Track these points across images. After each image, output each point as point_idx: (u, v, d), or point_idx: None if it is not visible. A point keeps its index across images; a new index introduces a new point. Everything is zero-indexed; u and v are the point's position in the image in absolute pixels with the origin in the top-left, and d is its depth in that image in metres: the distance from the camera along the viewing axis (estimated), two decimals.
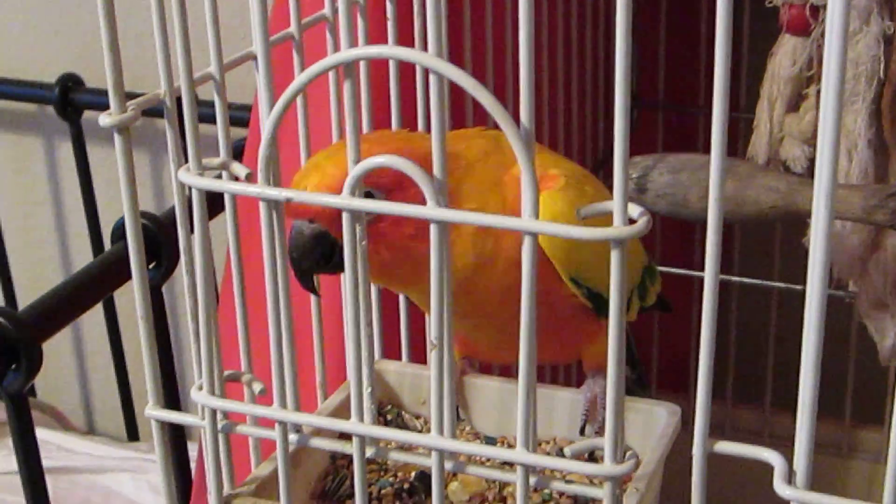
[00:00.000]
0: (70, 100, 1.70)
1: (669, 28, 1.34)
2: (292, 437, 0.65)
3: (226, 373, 0.65)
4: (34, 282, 1.86)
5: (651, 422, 0.73)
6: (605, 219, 0.53)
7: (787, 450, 0.55)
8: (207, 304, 0.63)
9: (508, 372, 0.90)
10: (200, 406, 0.65)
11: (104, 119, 0.60)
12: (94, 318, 1.78)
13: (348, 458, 0.75)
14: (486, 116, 0.55)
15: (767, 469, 0.55)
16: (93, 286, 1.17)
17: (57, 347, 1.89)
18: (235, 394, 0.67)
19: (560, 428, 0.77)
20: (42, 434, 1.28)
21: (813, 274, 0.50)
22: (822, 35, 0.95)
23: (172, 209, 1.10)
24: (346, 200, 0.57)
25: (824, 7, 0.94)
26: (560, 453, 0.58)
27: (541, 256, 0.55)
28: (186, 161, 0.61)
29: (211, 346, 0.64)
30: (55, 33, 1.75)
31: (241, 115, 1.18)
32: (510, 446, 0.59)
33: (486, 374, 0.81)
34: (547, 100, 1.11)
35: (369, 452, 0.63)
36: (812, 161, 1.01)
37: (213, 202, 0.63)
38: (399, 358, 0.82)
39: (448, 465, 0.61)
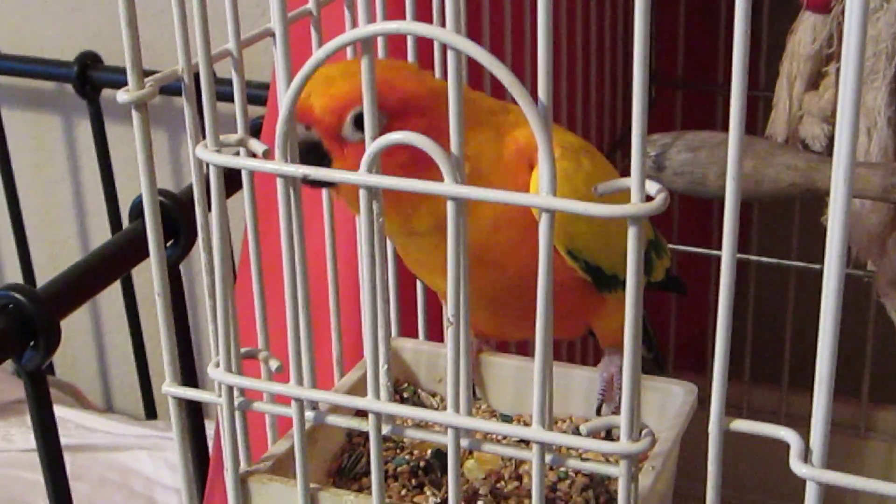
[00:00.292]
0: (89, 78, 1.70)
1: (688, 6, 1.33)
2: (309, 414, 0.65)
3: (243, 350, 0.65)
4: (52, 260, 1.86)
5: (667, 401, 0.73)
6: (620, 194, 0.53)
7: (804, 430, 0.55)
8: (225, 281, 0.63)
9: (522, 350, 0.90)
10: (217, 383, 0.65)
11: (122, 95, 0.60)
12: (112, 297, 1.78)
13: (364, 436, 0.75)
14: (504, 93, 0.55)
15: (783, 450, 0.55)
16: (111, 263, 1.18)
17: (75, 326, 1.90)
18: (252, 372, 0.67)
19: (576, 406, 0.77)
20: (60, 412, 1.28)
21: (831, 252, 0.50)
22: (843, 12, 0.95)
23: (190, 187, 1.10)
24: (363, 177, 0.57)
25: None
26: (576, 431, 0.58)
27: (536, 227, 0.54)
28: (204, 138, 0.61)
29: (228, 323, 0.64)
30: (74, 10, 1.75)
31: (258, 94, 1.18)
32: (526, 425, 0.59)
33: (502, 350, 0.81)
34: (565, 78, 1.11)
35: (385, 429, 0.63)
36: (831, 139, 1.01)
37: (231, 180, 0.63)
38: (416, 337, 0.82)
39: (464, 443, 0.61)
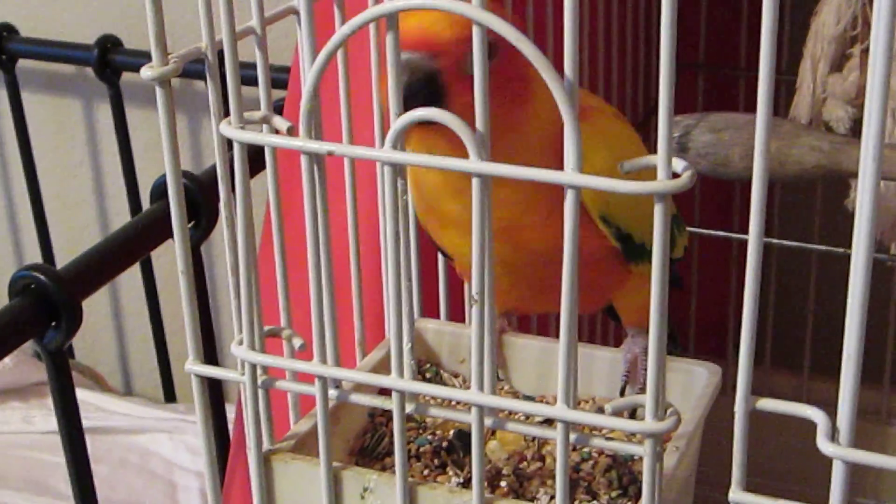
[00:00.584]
0: (109, 61, 1.70)
1: None
2: (332, 392, 0.65)
3: (266, 328, 0.65)
4: (72, 243, 1.87)
5: (691, 381, 0.73)
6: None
7: (826, 414, 0.55)
8: (248, 257, 0.63)
9: (543, 330, 0.89)
10: (240, 361, 0.65)
11: (146, 72, 0.59)
12: (132, 281, 1.79)
13: (387, 416, 0.75)
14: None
15: (806, 435, 0.54)
16: (132, 245, 1.18)
17: (95, 311, 1.90)
18: (275, 352, 0.67)
19: (600, 387, 0.76)
20: (80, 395, 1.28)
21: (859, 234, 0.49)
22: None
23: (211, 169, 1.10)
24: (387, 153, 0.57)
25: None
26: (600, 411, 0.57)
27: None
28: (227, 116, 0.61)
29: (251, 300, 0.63)
30: None
31: (279, 77, 1.18)
32: (548, 405, 0.59)
33: (524, 331, 0.81)
34: (587, 62, 1.11)
35: (409, 408, 0.62)
36: (855, 122, 1.00)
37: (254, 161, 0.63)
38: (438, 317, 0.82)
39: (487, 422, 0.60)
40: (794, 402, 0.55)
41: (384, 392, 0.64)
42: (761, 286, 0.52)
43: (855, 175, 0.75)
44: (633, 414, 0.67)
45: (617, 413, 0.57)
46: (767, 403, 0.55)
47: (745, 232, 0.53)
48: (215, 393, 1.30)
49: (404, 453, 0.62)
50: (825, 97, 1.02)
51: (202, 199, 1.16)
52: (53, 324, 1.04)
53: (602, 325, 1.19)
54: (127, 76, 1.71)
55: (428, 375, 0.79)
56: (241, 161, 0.61)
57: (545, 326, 0.98)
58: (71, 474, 1.12)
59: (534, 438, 0.72)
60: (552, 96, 0.52)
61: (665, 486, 0.62)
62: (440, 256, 0.82)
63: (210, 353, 1.30)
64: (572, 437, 0.58)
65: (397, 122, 0.56)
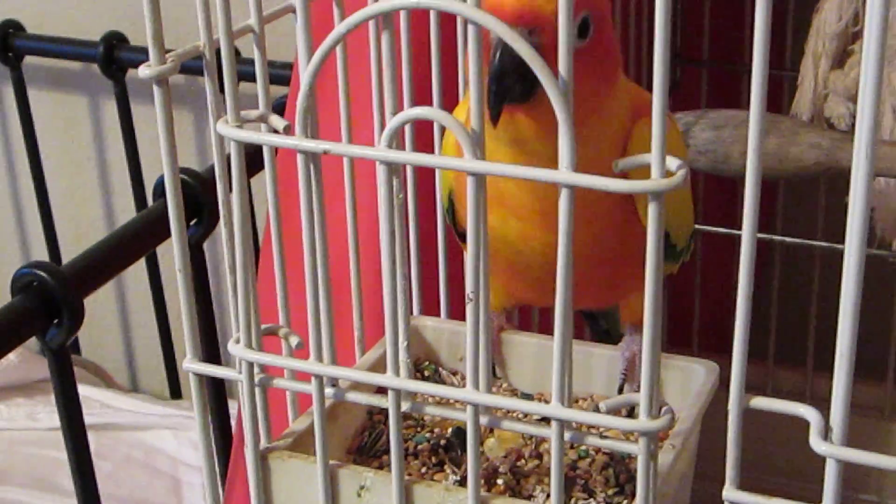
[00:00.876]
0: (114, 58, 1.70)
1: None
2: (329, 391, 0.65)
3: (263, 326, 0.65)
4: (78, 239, 1.87)
5: (689, 379, 0.73)
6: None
7: (828, 410, 0.55)
8: (245, 256, 0.63)
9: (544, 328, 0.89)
10: (238, 359, 0.65)
11: (143, 70, 0.60)
12: (137, 277, 1.79)
13: (385, 414, 0.75)
14: None
15: (805, 430, 0.54)
16: (134, 242, 1.18)
17: (101, 306, 1.91)
18: (275, 350, 0.67)
19: (598, 386, 0.77)
20: (85, 391, 1.29)
21: (852, 229, 0.49)
22: None
23: (214, 166, 1.09)
24: (382, 152, 0.57)
25: None
26: (596, 409, 0.57)
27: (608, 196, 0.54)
28: (226, 114, 0.61)
29: (248, 299, 0.64)
30: None
31: (281, 74, 1.18)
32: (546, 403, 0.59)
33: (525, 329, 0.81)
34: None
35: (405, 406, 0.62)
36: (856, 119, 1.00)
37: (255, 158, 0.63)
38: (437, 315, 0.82)
39: (483, 420, 0.60)
40: (798, 398, 0.55)
41: (382, 390, 0.64)
42: (765, 283, 0.52)
43: None
44: (630, 412, 0.67)
45: (612, 411, 0.57)
46: (761, 402, 0.55)
47: None
48: (218, 390, 1.31)
49: (400, 451, 0.62)
50: (827, 94, 1.02)
51: (204, 196, 1.16)
52: (56, 321, 1.04)
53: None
54: (133, 73, 1.71)
55: (426, 373, 0.79)
56: (237, 159, 0.61)
57: (547, 324, 0.98)
58: (73, 471, 1.12)
59: (531, 436, 0.73)
60: (632, 84, 0.52)
61: (662, 483, 0.62)
62: (440, 255, 0.81)
63: (214, 350, 1.30)
64: (568, 435, 0.58)
65: (392, 122, 0.56)
